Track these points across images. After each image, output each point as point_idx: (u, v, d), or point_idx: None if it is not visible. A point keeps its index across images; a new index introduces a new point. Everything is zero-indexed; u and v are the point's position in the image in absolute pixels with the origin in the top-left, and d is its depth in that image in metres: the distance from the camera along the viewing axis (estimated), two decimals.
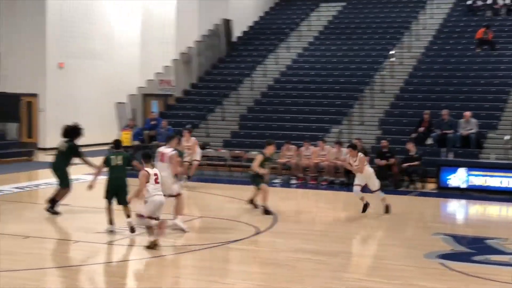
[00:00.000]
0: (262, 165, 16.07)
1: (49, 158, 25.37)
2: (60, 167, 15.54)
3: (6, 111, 29.40)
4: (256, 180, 16.19)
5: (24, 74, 30.62)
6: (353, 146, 16.22)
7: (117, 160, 13.90)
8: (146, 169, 12.38)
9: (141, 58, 33.46)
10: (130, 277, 11.11)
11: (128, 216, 13.48)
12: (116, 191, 13.76)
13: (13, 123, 29.55)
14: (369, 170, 16.26)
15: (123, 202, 13.57)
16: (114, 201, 13.67)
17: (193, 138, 21.49)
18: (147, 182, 12.23)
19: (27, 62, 30.67)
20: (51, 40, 30.87)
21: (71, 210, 15.60)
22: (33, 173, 22.81)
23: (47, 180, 21.54)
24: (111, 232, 13.54)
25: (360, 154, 16.20)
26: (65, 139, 15.64)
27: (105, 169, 13.98)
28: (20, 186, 19.91)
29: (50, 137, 31.05)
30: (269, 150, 16.33)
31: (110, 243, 13.05)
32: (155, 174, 12.40)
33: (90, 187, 14.01)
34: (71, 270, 11.13)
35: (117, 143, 14.50)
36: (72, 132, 15.83)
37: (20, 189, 19.54)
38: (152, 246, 12.06)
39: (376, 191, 16.29)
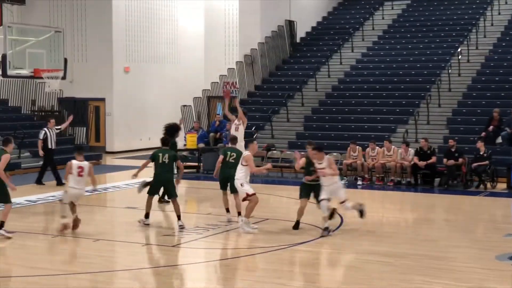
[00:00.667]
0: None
1: (117, 161, 25.76)
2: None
3: (74, 116, 30.01)
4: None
5: (91, 79, 31.17)
6: (318, 148, 14.18)
7: (164, 158, 14.32)
8: (72, 160, 13.69)
9: (205, 61, 33.66)
10: (199, 280, 11.14)
11: (179, 217, 14.17)
12: (162, 186, 14.90)
13: (81, 128, 30.12)
14: (336, 178, 14.10)
15: (170, 195, 14.65)
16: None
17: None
18: (70, 173, 13.63)
19: (94, 68, 31.22)
20: (117, 45, 31.34)
21: (141, 213, 15.77)
22: (101, 177, 23.13)
23: (115, 183, 21.91)
24: (147, 225, 14.34)
25: (329, 157, 14.55)
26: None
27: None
28: (88, 190, 20.19)
29: (118, 140, 31.58)
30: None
31: (176, 245, 13.15)
32: (79, 167, 13.64)
33: (135, 175, 14.54)
34: (140, 273, 11.24)
35: (164, 141, 14.84)
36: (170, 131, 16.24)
37: (88, 192, 19.83)
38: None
39: (343, 202, 14.13)
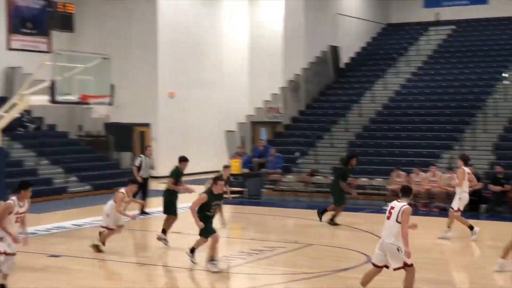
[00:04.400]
0: (178, 180, 15.93)
1: (162, 186, 25.93)
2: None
3: (120, 140, 30.42)
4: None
5: (137, 104, 31.55)
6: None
7: None
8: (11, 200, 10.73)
9: (250, 86, 33.92)
10: None
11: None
12: None
13: (127, 152, 30.49)
14: None
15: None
16: None
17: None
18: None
19: (140, 93, 31.61)
20: (162, 70, 31.73)
21: (185, 237, 15.87)
22: (148, 202, 23.33)
23: (159, 208, 22.05)
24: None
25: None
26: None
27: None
28: (136, 215, 20.38)
29: (163, 165, 31.79)
30: (183, 166, 16.12)
31: (220, 271, 13.23)
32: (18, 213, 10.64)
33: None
34: None
35: None
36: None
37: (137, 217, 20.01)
38: None
39: None
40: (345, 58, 33.77)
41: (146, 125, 31.84)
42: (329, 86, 32.45)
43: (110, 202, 14.60)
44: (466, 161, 16.54)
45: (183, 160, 15.86)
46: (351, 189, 19.36)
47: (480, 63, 30.59)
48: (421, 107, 28.35)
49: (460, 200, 16.21)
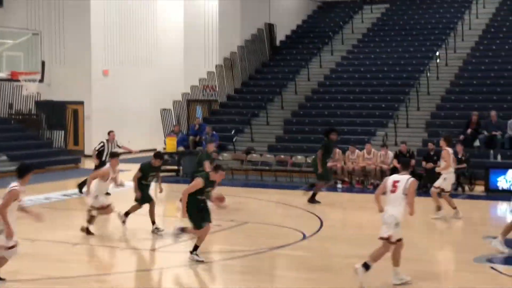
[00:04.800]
0: (146, 178, 14.53)
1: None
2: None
3: (52, 119, 29.79)
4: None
5: (70, 82, 30.95)
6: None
7: None
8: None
9: (185, 64, 33.58)
10: (179, 283, 11.09)
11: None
12: None
13: (59, 131, 29.90)
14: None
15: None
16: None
17: None
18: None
19: (72, 70, 31.01)
20: (96, 48, 31.17)
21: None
22: (80, 180, 22.98)
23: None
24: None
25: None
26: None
27: None
28: (67, 194, 20.09)
29: (96, 144, 31.36)
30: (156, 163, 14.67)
31: (154, 249, 13.10)
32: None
33: None
34: (115, 275, 11.17)
35: None
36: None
37: (67, 196, 19.73)
38: None
39: None
40: (280, 36, 33.76)
41: (80, 103, 31.29)
42: (264, 64, 32.43)
43: (95, 182, 14.11)
44: (449, 141, 16.53)
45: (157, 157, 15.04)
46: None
47: (413, 41, 30.96)
48: (355, 85, 28.59)
49: (445, 180, 16.08)
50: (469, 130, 22.97)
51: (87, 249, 13.13)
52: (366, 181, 21.83)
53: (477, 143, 22.93)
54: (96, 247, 13.35)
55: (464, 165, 20.64)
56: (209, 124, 26.79)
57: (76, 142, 31.57)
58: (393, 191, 10.44)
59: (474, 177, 20.94)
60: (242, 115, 28.16)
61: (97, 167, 18.63)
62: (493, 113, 23.04)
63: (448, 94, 26.73)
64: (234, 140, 26.12)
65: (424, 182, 20.60)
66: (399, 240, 10.38)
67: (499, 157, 22.01)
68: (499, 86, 26.18)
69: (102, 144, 19.66)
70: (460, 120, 24.11)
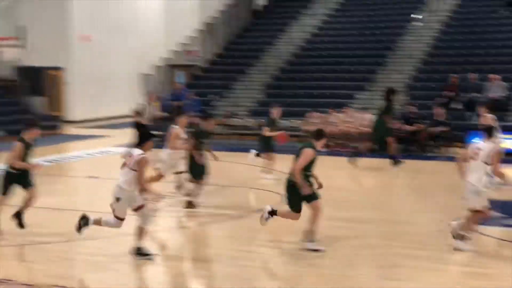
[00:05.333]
0: (25, 156, 11.50)
1: (76, 130, 25.46)
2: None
3: (31, 85, 29.58)
4: None
5: (50, 47, 30.68)
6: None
7: None
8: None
9: (166, 29, 33.40)
10: (157, 246, 11.17)
11: None
12: None
13: (39, 97, 29.73)
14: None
15: None
16: None
17: None
18: None
19: (52, 36, 30.73)
20: (76, 13, 30.89)
21: (102, 183, 15.70)
22: (60, 146, 22.95)
23: (76, 153, 21.73)
24: None
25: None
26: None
27: None
28: (48, 159, 20.06)
29: (78, 110, 31.28)
30: (31, 134, 11.55)
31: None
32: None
33: None
34: (100, 241, 11.24)
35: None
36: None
37: (48, 162, 19.70)
38: None
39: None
40: (261, 0, 33.60)
41: (60, 69, 31.08)
42: (245, 29, 32.30)
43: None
44: (491, 109, 16.03)
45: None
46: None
47: (394, 4, 30.94)
48: (336, 48, 28.59)
49: None
50: (449, 93, 23.09)
51: (70, 214, 13.16)
52: (346, 144, 21.91)
53: (457, 105, 23.09)
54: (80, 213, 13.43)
55: (445, 127, 20.80)
56: (191, 89, 26.72)
57: (56, 108, 31.40)
58: (474, 158, 10.26)
59: (454, 139, 21.11)
60: (224, 80, 28.12)
61: None
62: (472, 75, 23.17)
63: (428, 56, 26.81)
64: (212, 104, 26.08)
65: (405, 145, 20.78)
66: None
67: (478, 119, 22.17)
68: (480, 48, 26.25)
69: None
70: (440, 82, 24.22)
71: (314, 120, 22.46)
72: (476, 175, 10.19)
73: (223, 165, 18.29)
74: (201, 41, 30.49)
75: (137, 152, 9.84)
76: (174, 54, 30.80)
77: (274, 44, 29.65)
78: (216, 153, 14.40)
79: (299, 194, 10.14)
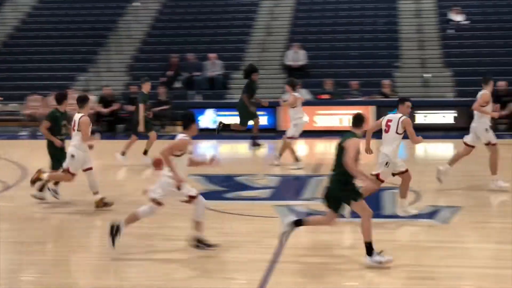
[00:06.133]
0: None
1: None
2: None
3: None
4: None
5: None
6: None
7: None
8: None
9: None
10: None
11: None
12: None
13: None
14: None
15: None
16: None
17: None
18: None
19: None
20: None
21: None
22: None
23: None
24: None
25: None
26: None
27: None
28: None
29: None
30: None
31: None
32: None
33: None
34: None
35: None
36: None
37: None
38: None
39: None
40: None
41: None
42: None
43: None
44: (294, 86, 15.19)
45: None
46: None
47: None
48: (54, 29, 27.84)
49: (296, 127, 15.01)
50: (170, 72, 23.54)
51: None
52: None
53: (178, 84, 23.61)
54: None
55: (166, 106, 21.18)
56: None
57: None
58: (386, 131, 10.17)
59: (176, 118, 21.52)
60: None
61: None
62: (190, 55, 23.82)
63: (148, 37, 27.09)
64: None
65: (128, 126, 20.80)
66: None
67: (198, 97, 22.89)
68: (196, 28, 27.03)
69: None
70: (161, 62, 24.58)
71: (33, 103, 21.70)
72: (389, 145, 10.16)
73: None
74: None
75: (180, 135, 9.13)
76: None
77: None
78: None
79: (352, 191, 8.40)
